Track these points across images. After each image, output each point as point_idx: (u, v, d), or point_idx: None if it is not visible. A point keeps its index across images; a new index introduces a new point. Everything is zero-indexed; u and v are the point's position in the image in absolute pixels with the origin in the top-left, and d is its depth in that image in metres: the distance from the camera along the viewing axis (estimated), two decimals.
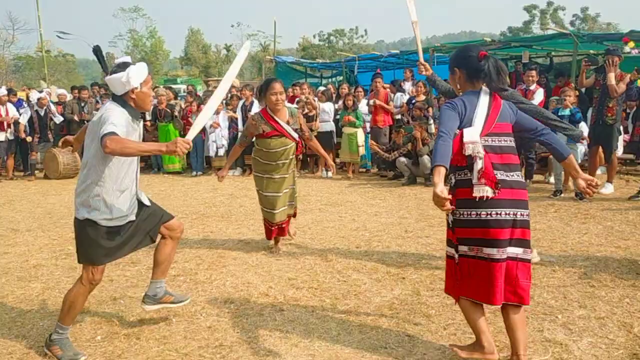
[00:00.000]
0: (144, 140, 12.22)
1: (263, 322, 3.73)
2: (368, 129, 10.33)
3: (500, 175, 2.77)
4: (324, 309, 3.92)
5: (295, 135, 5.18)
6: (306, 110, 10.30)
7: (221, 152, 10.81)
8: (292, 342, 3.41)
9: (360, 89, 10.60)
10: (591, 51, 12.40)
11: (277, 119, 5.08)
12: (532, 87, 8.43)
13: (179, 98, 12.71)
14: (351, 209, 7.36)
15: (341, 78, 19.38)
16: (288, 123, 5.14)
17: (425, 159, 8.80)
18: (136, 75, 3.20)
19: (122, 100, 3.24)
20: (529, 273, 2.86)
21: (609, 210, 6.67)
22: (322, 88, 11.55)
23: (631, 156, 9.52)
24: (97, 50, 3.41)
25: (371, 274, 4.64)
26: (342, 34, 62.07)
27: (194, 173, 11.03)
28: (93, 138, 3.16)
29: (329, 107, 9.99)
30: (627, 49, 7.36)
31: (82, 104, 11.54)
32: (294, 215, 5.66)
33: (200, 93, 13.98)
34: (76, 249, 3.32)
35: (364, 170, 10.65)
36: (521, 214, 2.79)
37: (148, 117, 11.34)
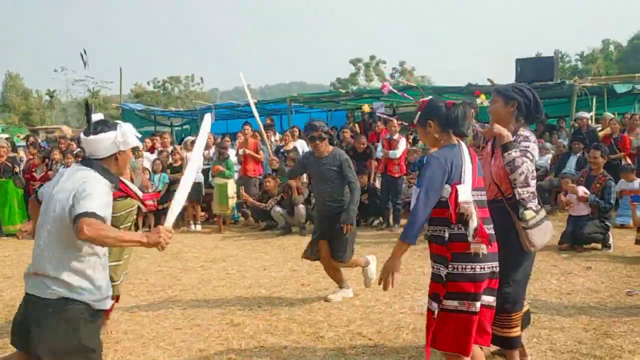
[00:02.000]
0: None
1: None
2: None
3: (487, 229, 2.85)
4: None
5: (140, 194, 4.36)
6: (171, 161, 9.84)
7: None
8: None
9: (227, 138, 10.38)
10: None
11: (121, 178, 3.76)
12: (396, 136, 8.99)
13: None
14: (236, 264, 7.04)
15: (188, 127, 18.96)
16: (132, 180, 4.54)
17: (301, 207, 8.81)
18: (130, 135, 2.81)
19: (101, 165, 2.76)
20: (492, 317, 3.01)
21: None
22: (190, 138, 11.10)
23: None
24: (88, 105, 2.87)
25: (286, 335, 4.42)
26: (177, 80, 61.09)
27: None
28: (53, 208, 2.66)
29: None
30: (479, 101, 8.17)
31: None
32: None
33: (43, 144, 12.56)
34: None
35: (233, 221, 10.35)
36: (497, 266, 2.92)
37: None
